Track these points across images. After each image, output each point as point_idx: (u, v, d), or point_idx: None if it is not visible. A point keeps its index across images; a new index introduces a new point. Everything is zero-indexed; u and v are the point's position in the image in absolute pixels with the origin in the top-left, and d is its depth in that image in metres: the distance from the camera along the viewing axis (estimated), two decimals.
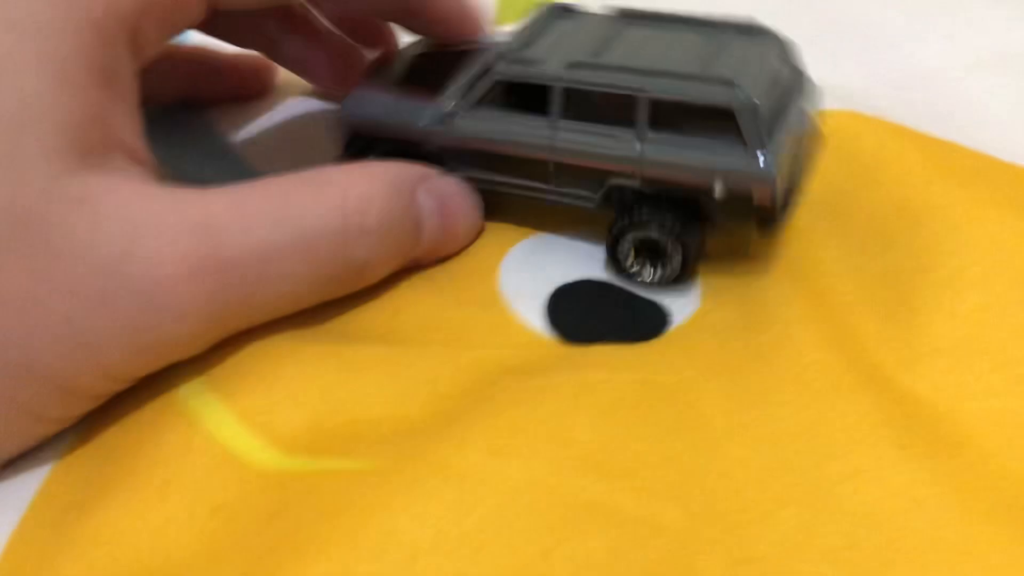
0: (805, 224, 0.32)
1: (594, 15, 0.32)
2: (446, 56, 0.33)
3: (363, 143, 0.32)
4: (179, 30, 0.28)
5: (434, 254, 0.30)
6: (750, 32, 0.31)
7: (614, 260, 0.30)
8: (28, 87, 0.23)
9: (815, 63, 0.31)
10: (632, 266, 0.30)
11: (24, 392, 0.24)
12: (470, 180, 0.31)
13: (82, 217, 0.23)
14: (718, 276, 0.30)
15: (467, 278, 0.30)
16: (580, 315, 0.29)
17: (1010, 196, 0.32)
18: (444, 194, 0.30)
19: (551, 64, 0.29)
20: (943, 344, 0.27)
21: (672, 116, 0.28)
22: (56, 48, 0.23)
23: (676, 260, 0.29)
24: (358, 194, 0.27)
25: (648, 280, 0.30)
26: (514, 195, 0.31)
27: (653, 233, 0.29)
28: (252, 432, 0.25)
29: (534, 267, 0.31)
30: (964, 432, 0.25)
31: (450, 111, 0.30)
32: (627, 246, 0.29)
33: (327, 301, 0.28)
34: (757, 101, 0.27)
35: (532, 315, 0.29)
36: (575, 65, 0.29)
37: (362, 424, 0.25)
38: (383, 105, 0.32)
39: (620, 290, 0.30)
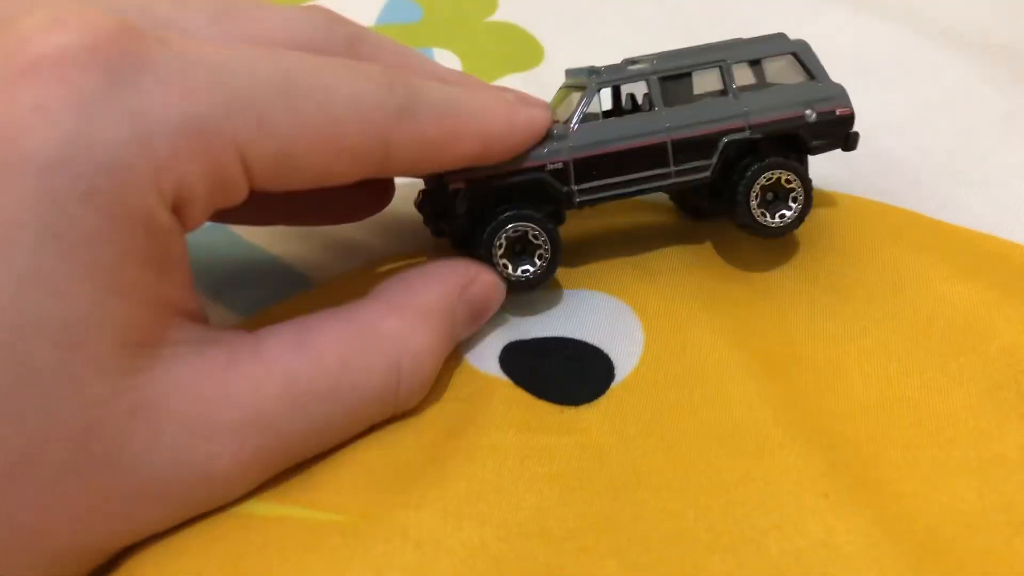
0: (744, 283, 0.34)
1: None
2: None
3: (476, 207, 0.32)
4: (224, 204, 0.26)
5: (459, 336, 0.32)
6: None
7: (748, 216, 0.33)
8: (77, 303, 0.22)
9: None
10: (763, 217, 0.33)
11: None
12: (599, 189, 0.33)
13: (136, 428, 0.23)
14: (661, 324, 0.32)
15: None
16: (532, 367, 0.31)
17: (941, 257, 0.34)
18: (477, 298, 0.31)
19: (635, 68, 0.33)
20: (868, 403, 0.29)
21: (749, 77, 0.34)
22: (103, 256, 0.23)
23: (800, 194, 0.33)
24: (413, 352, 0.28)
25: (785, 221, 0.33)
26: (640, 191, 0.33)
27: (776, 170, 0.33)
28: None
29: (488, 329, 0.32)
30: (884, 477, 0.27)
31: (564, 131, 0.32)
32: (755, 199, 0.33)
33: None
34: (806, 43, 0.34)
35: (488, 364, 0.31)
36: (658, 59, 0.33)
37: (324, 469, 0.27)
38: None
39: (568, 345, 0.32)
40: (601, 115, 0.34)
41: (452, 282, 0.30)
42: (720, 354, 0.31)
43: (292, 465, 0.27)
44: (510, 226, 0.32)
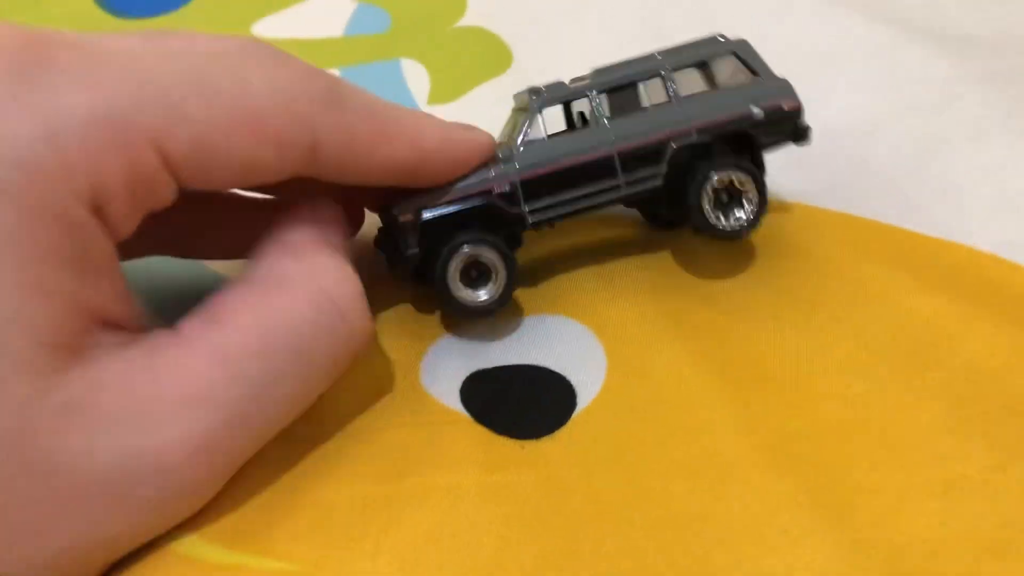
0: (708, 299, 0.34)
1: None
2: None
3: (427, 236, 0.32)
4: (153, 205, 0.26)
5: None
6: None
7: (703, 221, 0.33)
8: None
9: None
10: (719, 221, 0.33)
11: None
12: (551, 207, 0.33)
13: (70, 426, 0.23)
14: (624, 349, 0.32)
15: (388, 373, 0.32)
16: (492, 398, 0.31)
17: (907, 269, 0.34)
18: (328, 217, 0.30)
19: (575, 85, 0.33)
20: (833, 423, 0.29)
21: (690, 82, 0.34)
22: (16, 254, 0.22)
23: (754, 194, 0.33)
24: (330, 275, 0.28)
25: (742, 223, 0.33)
26: (593, 206, 0.33)
27: (732, 173, 0.33)
28: (193, 533, 0.26)
29: (450, 358, 0.32)
30: (846, 502, 0.26)
31: (509, 153, 0.32)
32: (708, 203, 0.33)
33: None
34: (746, 41, 0.34)
35: (449, 399, 0.31)
36: (598, 73, 0.34)
37: (280, 513, 0.27)
38: (443, 191, 0.32)
39: (531, 371, 0.32)
40: (546, 135, 0.33)
41: (304, 216, 0.30)
42: (684, 378, 0.31)
43: (266, 438, 0.27)
44: (464, 250, 0.31)
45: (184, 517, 0.26)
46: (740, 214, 0.33)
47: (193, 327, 0.26)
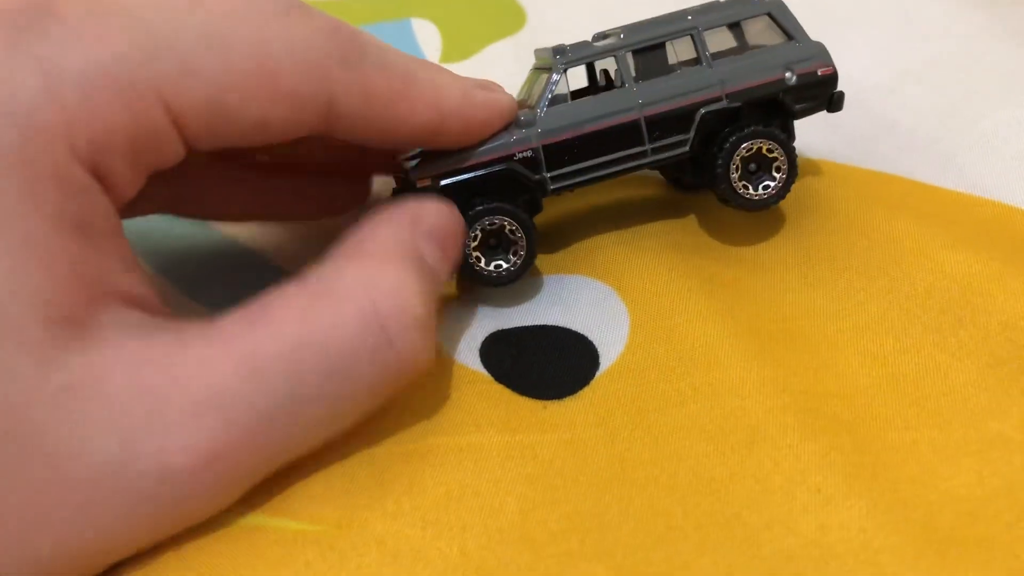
0: (734, 259, 0.33)
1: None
2: None
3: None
4: (157, 165, 0.25)
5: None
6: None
7: (730, 191, 0.32)
8: None
9: None
10: (746, 190, 0.32)
11: None
12: (573, 174, 0.31)
13: (71, 411, 0.21)
14: (647, 309, 0.31)
15: None
16: (513, 359, 0.30)
17: (938, 226, 0.33)
18: (434, 228, 0.28)
19: (602, 44, 0.31)
20: (864, 383, 0.28)
21: (722, 42, 0.32)
22: (18, 224, 0.21)
23: (783, 163, 0.32)
24: (386, 291, 0.25)
25: (769, 192, 0.32)
26: (617, 173, 0.32)
27: (758, 140, 0.31)
28: None
29: (468, 319, 0.31)
30: (881, 461, 0.26)
31: (532, 117, 0.31)
32: (736, 172, 0.32)
33: None
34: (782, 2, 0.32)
35: (468, 358, 0.30)
36: (626, 32, 0.32)
37: (299, 475, 0.26)
38: (462, 155, 0.30)
39: (553, 331, 0.31)
40: (570, 96, 0.32)
41: (399, 220, 0.28)
42: (709, 339, 0.30)
43: (287, 459, 0.25)
44: (485, 220, 0.30)
45: (189, 525, 0.24)
46: (768, 183, 0.32)
47: (227, 325, 0.24)
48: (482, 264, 0.31)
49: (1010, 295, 0.30)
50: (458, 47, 0.47)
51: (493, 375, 0.29)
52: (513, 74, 0.36)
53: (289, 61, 0.25)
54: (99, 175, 0.23)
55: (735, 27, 0.33)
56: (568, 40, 0.32)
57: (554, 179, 0.31)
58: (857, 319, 0.30)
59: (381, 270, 0.26)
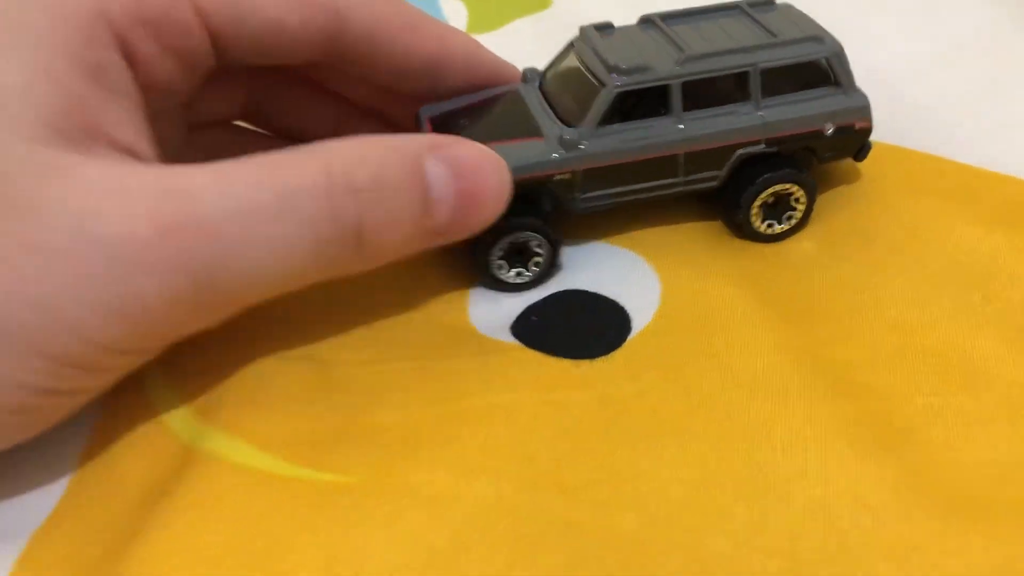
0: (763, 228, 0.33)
1: (627, 27, 0.33)
2: (478, 106, 0.33)
3: None
4: (182, 51, 0.28)
5: (459, 225, 0.28)
6: (766, 4, 0.34)
7: (747, 224, 0.32)
8: (8, 74, 0.24)
9: None
10: (761, 225, 0.32)
11: (4, 360, 0.23)
12: (604, 197, 0.31)
13: (53, 182, 0.23)
14: (676, 274, 0.31)
15: (437, 304, 0.31)
16: (545, 326, 0.30)
17: (963, 201, 0.33)
18: (459, 158, 0.28)
19: (658, 67, 0.30)
20: (887, 350, 0.28)
21: (772, 81, 0.31)
22: (38, 41, 0.24)
23: (803, 206, 0.32)
24: (347, 154, 0.26)
25: (781, 230, 0.32)
26: (645, 199, 0.32)
27: (787, 184, 0.31)
28: (251, 445, 0.26)
29: (499, 298, 0.31)
30: (909, 425, 0.26)
31: (576, 136, 0.30)
32: (757, 208, 0.32)
33: (310, 319, 0.29)
34: (841, 48, 0.31)
35: (500, 333, 0.30)
36: (685, 60, 0.30)
37: (334, 433, 0.27)
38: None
39: (585, 298, 0.31)
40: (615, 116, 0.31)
41: (417, 137, 0.28)
42: (739, 304, 0.30)
43: (237, 279, 0.25)
44: (510, 237, 0.30)
45: (160, 319, 0.24)
46: (784, 221, 0.32)
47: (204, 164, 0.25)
48: (504, 273, 0.31)
49: None
50: (484, 20, 0.47)
51: (526, 344, 0.29)
52: (537, 51, 0.36)
53: None
54: (127, 49, 0.27)
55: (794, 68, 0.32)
56: (595, 20, 0.32)
57: (585, 199, 0.31)
58: (883, 292, 0.30)
59: (354, 143, 0.26)
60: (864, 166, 0.35)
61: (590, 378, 0.28)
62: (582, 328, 0.30)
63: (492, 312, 0.31)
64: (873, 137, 0.34)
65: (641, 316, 0.30)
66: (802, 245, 0.33)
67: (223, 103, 0.34)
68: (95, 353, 0.24)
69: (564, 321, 0.30)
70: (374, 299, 0.31)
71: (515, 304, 0.31)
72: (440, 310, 0.31)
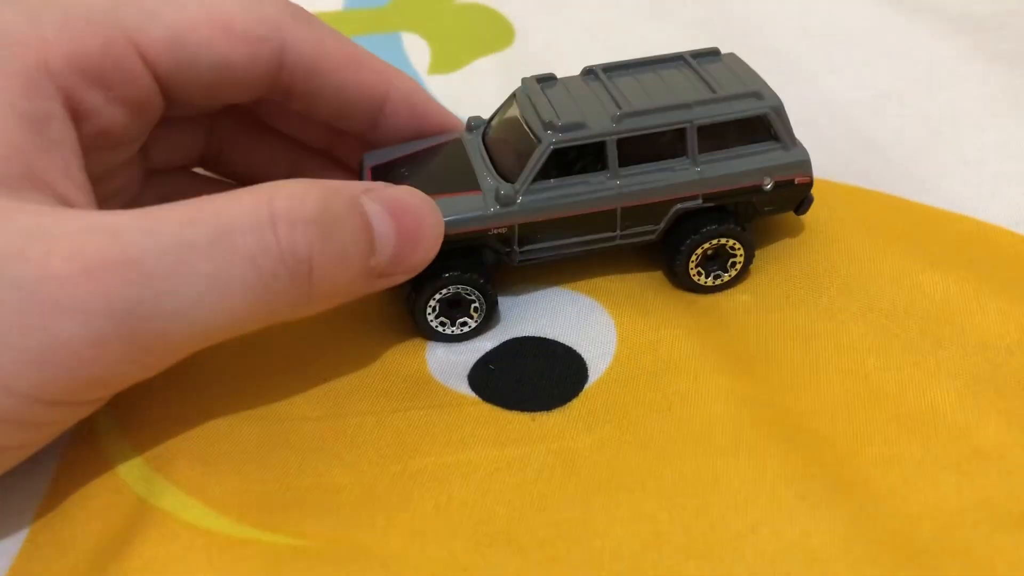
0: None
1: (570, 79, 0.33)
2: (420, 155, 0.33)
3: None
4: (129, 99, 0.28)
5: (400, 264, 0.28)
6: (708, 55, 0.34)
7: (684, 276, 0.32)
8: None
9: None
10: (699, 277, 0.32)
11: None
12: (541, 251, 0.32)
13: None
14: (632, 321, 0.32)
15: (396, 352, 0.31)
16: (502, 376, 0.30)
17: (918, 244, 0.34)
18: (393, 199, 0.28)
19: (594, 123, 0.30)
20: (845, 399, 0.29)
21: (710, 137, 0.31)
22: None
23: (741, 258, 0.32)
24: (288, 192, 0.25)
25: (719, 283, 0.32)
26: (583, 252, 0.32)
27: (725, 238, 0.32)
28: (205, 505, 0.26)
29: (456, 346, 0.31)
30: (861, 475, 0.26)
31: (512, 192, 0.30)
32: (694, 261, 0.32)
33: (268, 370, 0.29)
34: (781, 103, 0.31)
35: (457, 382, 0.30)
36: (621, 117, 0.30)
37: (289, 494, 0.26)
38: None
39: (543, 345, 0.31)
40: (552, 171, 0.31)
41: (349, 182, 0.28)
42: (694, 352, 0.30)
43: (170, 320, 0.24)
44: (445, 290, 0.31)
45: (85, 363, 0.23)
46: (721, 273, 0.32)
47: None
48: (447, 329, 0.31)
49: (987, 315, 0.31)
50: (447, 59, 0.47)
51: (482, 396, 0.29)
52: (500, 88, 0.36)
53: (239, 10, 0.29)
54: (72, 101, 0.27)
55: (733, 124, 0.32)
56: (555, 58, 0.33)
57: (523, 252, 0.32)
58: (839, 338, 0.31)
59: (293, 184, 0.26)
60: (820, 207, 0.35)
61: (547, 431, 0.28)
62: (539, 377, 0.30)
63: (449, 359, 0.31)
64: (831, 176, 0.34)
65: (598, 364, 0.30)
66: (758, 289, 0.33)
67: (180, 149, 0.34)
68: (20, 405, 0.23)
69: (521, 370, 0.30)
70: (333, 348, 0.31)
71: (473, 351, 0.31)
72: (398, 358, 0.31)
